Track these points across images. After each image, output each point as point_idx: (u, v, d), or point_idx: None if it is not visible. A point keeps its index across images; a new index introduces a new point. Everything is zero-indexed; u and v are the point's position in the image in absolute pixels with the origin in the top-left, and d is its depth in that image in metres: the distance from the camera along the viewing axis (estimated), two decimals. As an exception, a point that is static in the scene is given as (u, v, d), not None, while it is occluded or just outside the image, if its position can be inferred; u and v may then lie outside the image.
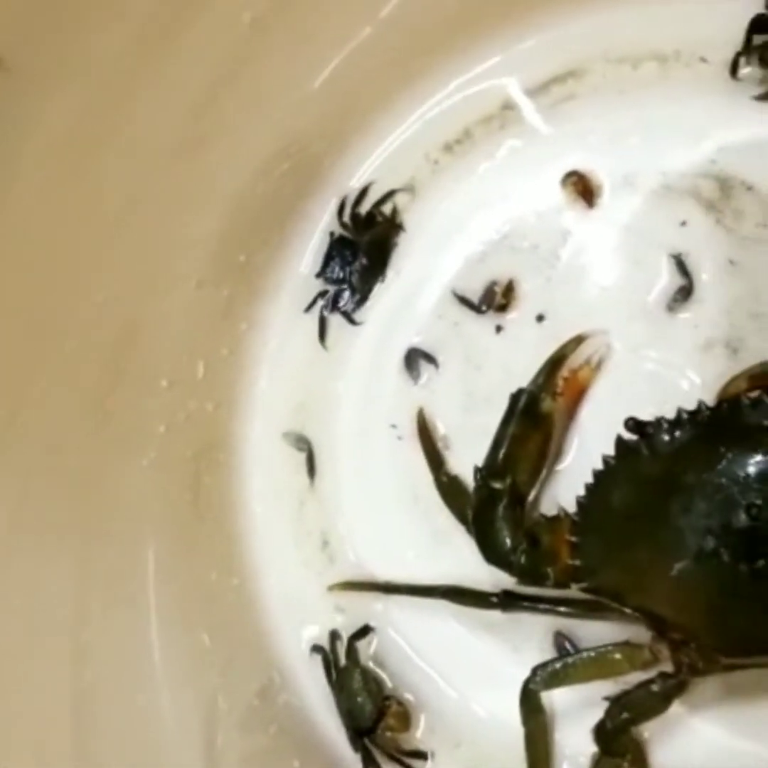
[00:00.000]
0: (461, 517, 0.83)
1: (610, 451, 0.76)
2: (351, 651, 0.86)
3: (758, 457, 0.70)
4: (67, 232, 0.83)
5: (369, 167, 0.96)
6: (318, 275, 0.95)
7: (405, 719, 0.83)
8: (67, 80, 0.80)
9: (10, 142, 0.77)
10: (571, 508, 0.78)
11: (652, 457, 0.74)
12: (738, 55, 0.87)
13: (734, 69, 0.87)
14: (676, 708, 0.76)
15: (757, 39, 0.86)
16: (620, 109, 0.90)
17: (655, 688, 0.75)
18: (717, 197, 0.86)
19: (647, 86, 0.90)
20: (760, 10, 0.86)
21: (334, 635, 0.88)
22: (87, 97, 0.82)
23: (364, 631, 0.87)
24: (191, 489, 0.92)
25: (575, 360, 0.85)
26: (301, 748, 0.85)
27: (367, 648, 0.87)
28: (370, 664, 0.86)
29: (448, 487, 0.86)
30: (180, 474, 0.91)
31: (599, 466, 0.76)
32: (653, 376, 0.85)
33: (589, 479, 0.77)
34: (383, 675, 0.86)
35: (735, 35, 0.87)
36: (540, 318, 0.88)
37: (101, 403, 0.86)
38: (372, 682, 0.84)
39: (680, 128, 0.88)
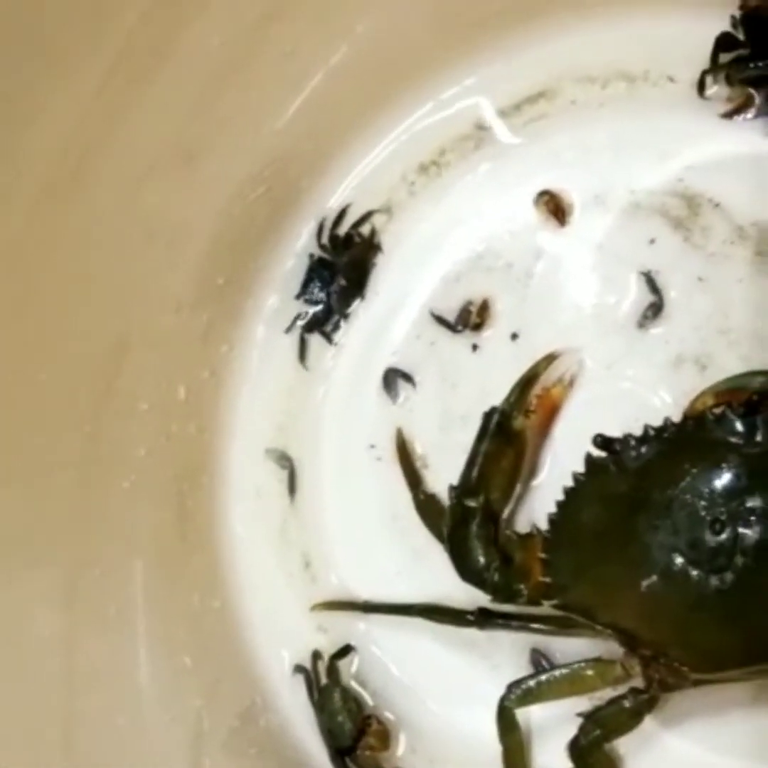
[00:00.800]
0: (438, 535, 0.84)
1: (582, 468, 0.77)
2: (332, 670, 0.87)
3: (722, 473, 0.71)
4: (50, 257, 0.84)
5: (346, 189, 0.98)
6: (298, 297, 0.97)
7: (385, 738, 0.84)
8: (47, 107, 0.81)
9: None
10: (545, 524, 0.79)
11: (619, 474, 0.75)
12: (704, 73, 0.88)
13: (701, 88, 0.88)
14: (649, 724, 0.77)
15: (724, 57, 0.87)
16: (590, 128, 0.91)
17: (626, 703, 0.76)
18: (685, 215, 0.87)
19: (616, 106, 0.91)
20: (726, 28, 0.87)
21: (315, 655, 0.89)
22: (70, 124, 0.83)
23: (346, 650, 0.88)
24: (174, 511, 0.93)
25: (548, 377, 0.86)
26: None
27: (348, 667, 0.88)
28: (352, 683, 0.87)
29: (426, 506, 0.86)
30: (162, 496, 0.92)
31: (571, 482, 0.77)
32: (625, 392, 0.85)
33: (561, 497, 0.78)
34: (364, 694, 0.87)
35: (702, 54, 0.88)
36: (514, 336, 0.89)
37: (83, 426, 0.87)
38: (352, 701, 0.85)
39: (649, 147, 0.89)
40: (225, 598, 0.92)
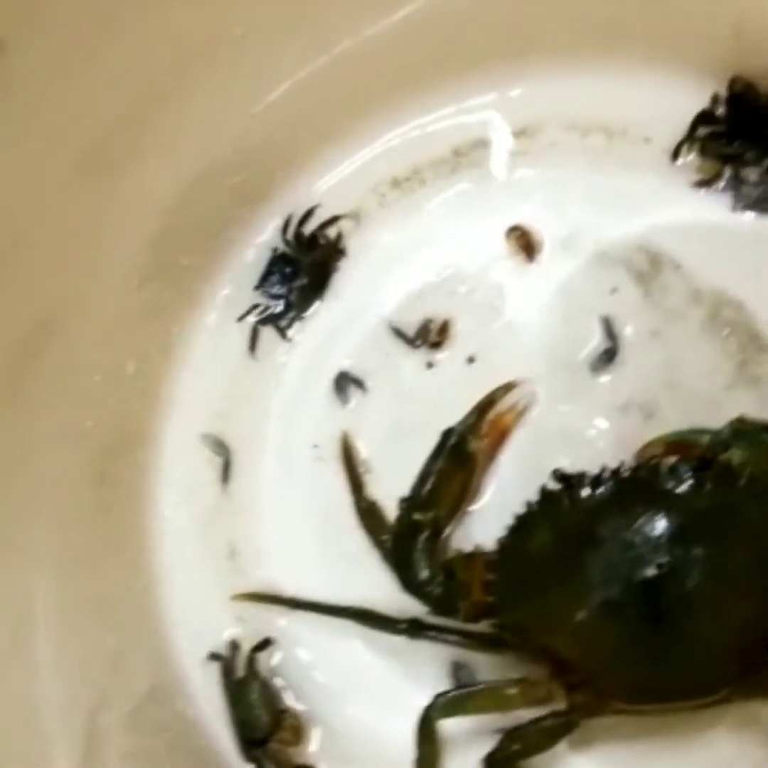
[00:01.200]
0: (377, 543, 0.86)
1: (525, 495, 0.80)
2: (251, 662, 0.87)
3: (670, 521, 0.75)
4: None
5: (318, 190, 0.98)
6: (256, 288, 0.97)
7: (299, 733, 0.85)
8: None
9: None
10: (484, 545, 0.82)
11: (572, 508, 0.78)
12: (681, 143, 0.93)
13: (675, 155, 0.93)
14: (563, 746, 0.81)
15: (701, 130, 0.93)
16: (568, 172, 0.95)
17: (546, 724, 0.79)
18: (647, 270, 0.92)
19: (594, 156, 0.95)
20: (706, 104, 0.93)
21: (234, 645, 0.89)
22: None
23: (266, 643, 0.88)
24: (102, 484, 0.91)
25: (503, 404, 0.89)
26: (194, 755, 0.86)
27: (267, 660, 0.88)
28: (269, 677, 0.88)
29: (367, 512, 0.88)
30: (93, 468, 0.91)
31: (516, 508, 0.80)
32: (571, 429, 0.89)
33: (503, 520, 0.80)
34: (281, 688, 0.88)
35: (680, 122, 0.93)
36: (470, 360, 0.92)
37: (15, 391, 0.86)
38: (269, 694, 0.86)
39: (620, 201, 0.93)
40: (148, 579, 0.91)
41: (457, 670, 0.86)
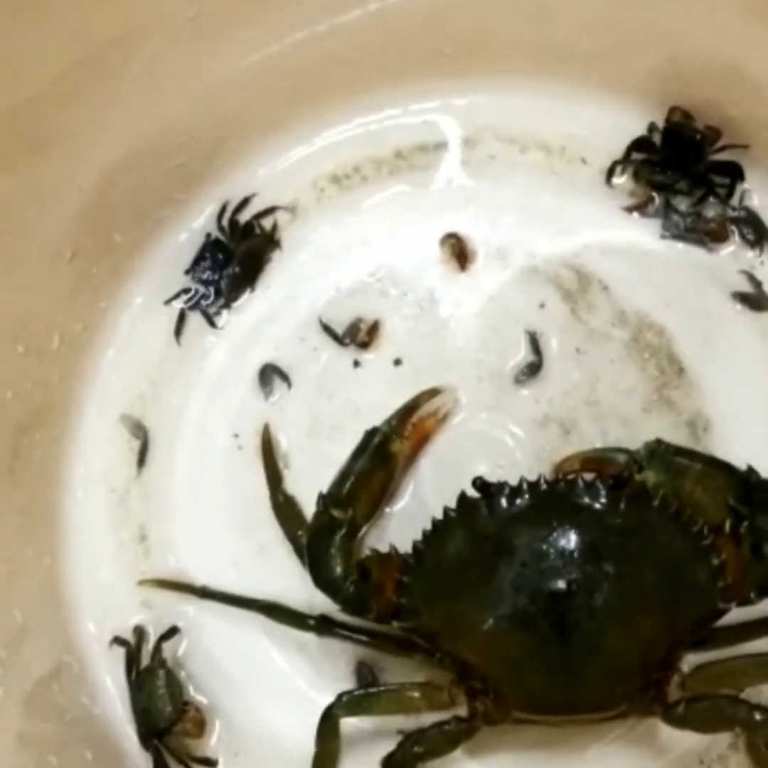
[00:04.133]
0: (291, 537, 0.86)
1: (442, 499, 0.81)
2: (157, 651, 0.86)
3: (583, 536, 0.77)
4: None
5: (256, 179, 0.98)
6: (187, 272, 0.96)
7: (201, 725, 0.84)
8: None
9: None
10: (399, 547, 0.82)
11: (490, 517, 0.79)
12: (615, 163, 0.95)
13: (610, 175, 0.96)
14: (460, 751, 0.82)
15: (636, 156, 0.95)
16: (506, 185, 0.96)
17: (447, 729, 0.80)
18: (575, 289, 0.94)
19: (532, 171, 0.97)
20: (644, 131, 0.95)
21: (139, 631, 0.88)
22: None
23: (172, 631, 0.87)
24: (16, 459, 0.89)
25: (425, 409, 0.90)
26: (95, 739, 0.85)
27: (173, 649, 0.88)
28: (174, 667, 0.87)
29: (284, 506, 0.88)
30: (7, 443, 0.88)
31: (433, 512, 0.81)
32: (490, 438, 0.91)
33: (419, 523, 0.81)
34: (185, 678, 0.87)
35: (617, 146, 0.96)
36: (397, 362, 0.93)
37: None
38: (174, 685, 0.85)
39: (554, 218, 0.95)
40: (55, 557, 0.90)
41: (363, 669, 0.87)
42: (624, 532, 0.78)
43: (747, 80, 0.89)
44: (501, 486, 0.80)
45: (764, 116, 0.90)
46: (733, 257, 0.94)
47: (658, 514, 0.79)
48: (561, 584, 0.76)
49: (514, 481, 0.80)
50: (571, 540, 0.77)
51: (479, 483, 0.80)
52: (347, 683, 0.86)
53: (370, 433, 0.86)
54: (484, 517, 0.80)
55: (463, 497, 0.81)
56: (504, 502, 0.79)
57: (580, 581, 0.76)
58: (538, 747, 0.84)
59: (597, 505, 0.79)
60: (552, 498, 0.80)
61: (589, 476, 0.81)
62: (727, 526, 0.80)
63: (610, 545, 0.77)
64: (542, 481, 0.80)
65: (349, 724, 0.83)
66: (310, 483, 0.86)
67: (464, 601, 0.78)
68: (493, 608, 0.77)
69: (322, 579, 0.82)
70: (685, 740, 0.83)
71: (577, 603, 0.76)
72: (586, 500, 0.79)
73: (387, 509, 0.89)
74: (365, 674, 0.87)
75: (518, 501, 0.79)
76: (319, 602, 0.83)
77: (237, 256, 0.96)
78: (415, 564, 0.80)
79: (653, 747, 0.84)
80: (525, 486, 0.80)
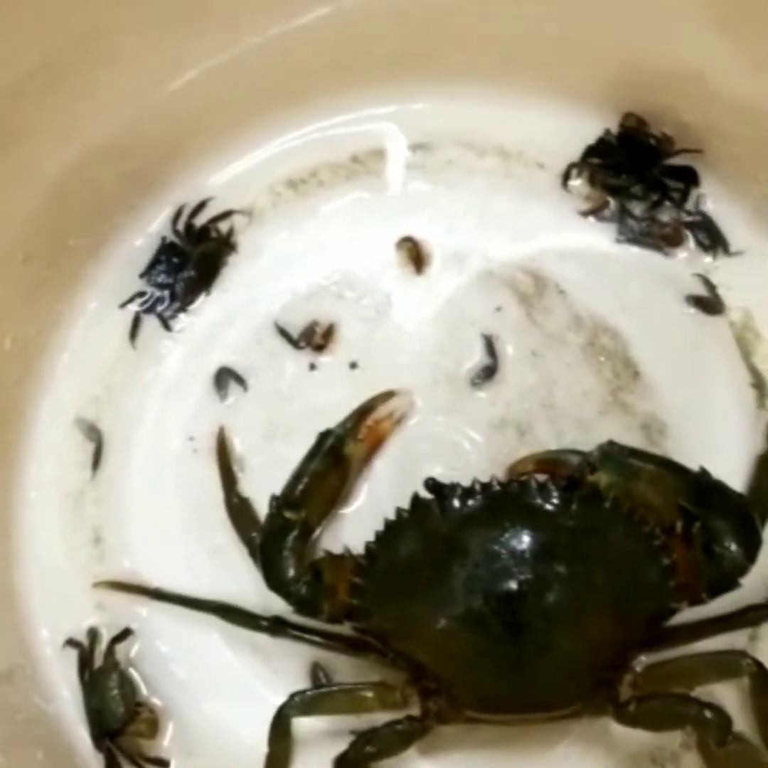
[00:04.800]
0: (246, 539, 0.86)
1: (397, 501, 0.81)
2: (110, 653, 0.86)
3: (535, 536, 0.77)
4: None
5: (213, 183, 0.99)
6: (142, 275, 0.96)
7: (154, 726, 0.84)
8: None
9: None
10: (353, 548, 0.82)
11: (442, 518, 0.79)
12: (570, 167, 0.96)
13: (566, 179, 0.96)
14: (413, 750, 0.82)
15: (592, 160, 0.96)
16: (463, 190, 0.97)
17: (400, 728, 0.80)
18: (531, 292, 0.94)
19: (489, 176, 0.98)
20: (601, 134, 0.96)
21: (93, 633, 0.88)
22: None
23: (125, 633, 0.87)
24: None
25: (380, 411, 0.90)
26: (47, 740, 0.84)
27: (126, 651, 0.87)
28: (127, 668, 0.86)
29: (238, 508, 0.88)
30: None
31: (388, 513, 0.81)
32: (445, 441, 0.91)
33: (374, 525, 0.81)
34: (138, 680, 0.87)
35: (574, 150, 0.97)
36: (353, 365, 0.93)
37: None
38: (127, 686, 0.84)
39: (511, 222, 0.96)
40: (9, 559, 0.90)
41: (317, 670, 0.87)
42: (575, 533, 0.78)
43: (702, 86, 0.90)
44: (453, 487, 0.80)
45: (718, 122, 0.91)
46: (688, 261, 0.94)
47: (609, 514, 0.79)
48: (513, 584, 0.76)
49: (467, 483, 0.80)
50: (523, 540, 0.78)
51: (431, 484, 0.81)
52: (301, 684, 0.86)
53: (324, 435, 0.86)
54: (436, 518, 0.80)
55: (416, 498, 0.81)
56: (456, 503, 0.80)
57: (532, 581, 0.76)
58: (492, 746, 0.84)
59: (549, 506, 0.79)
60: (504, 499, 0.80)
61: (541, 477, 0.81)
62: (679, 526, 0.81)
63: (561, 546, 0.77)
64: (495, 482, 0.81)
65: (302, 723, 0.83)
66: (264, 485, 0.86)
67: (416, 601, 0.78)
68: (446, 608, 0.77)
69: (274, 580, 0.82)
70: (637, 739, 0.83)
71: (528, 603, 0.76)
72: (539, 501, 0.79)
73: (342, 511, 0.89)
74: (319, 675, 0.87)
75: (470, 502, 0.80)
76: (274, 604, 0.83)
77: (193, 259, 0.96)
78: (367, 565, 0.80)
79: (606, 746, 0.84)
80: (478, 487, 0.80)
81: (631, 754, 0.84)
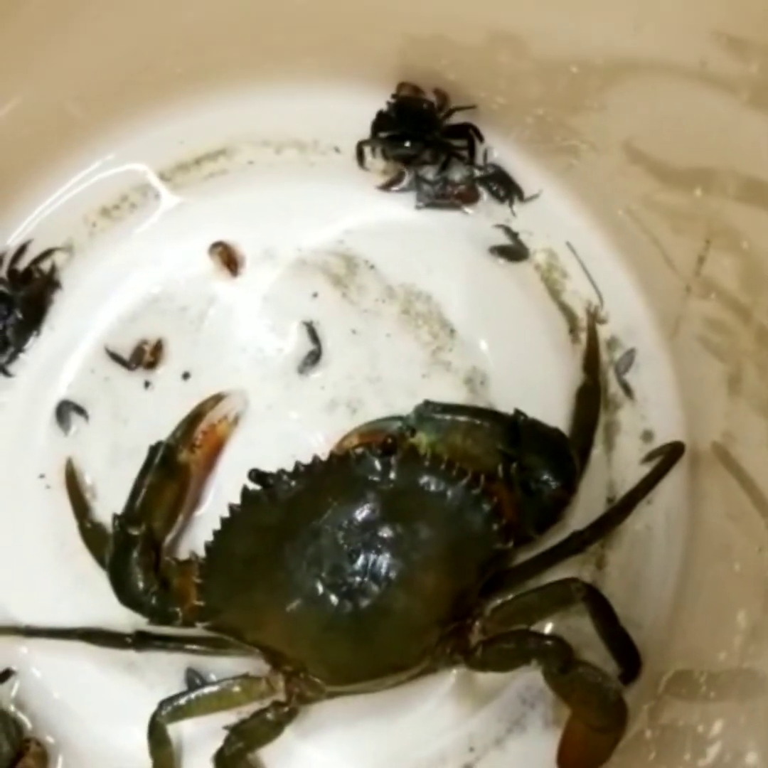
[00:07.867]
0: (101, 562, 0.88)
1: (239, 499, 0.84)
2: (-9, 695, 0.89)
3: (360, 506, 0.80)
4: None
5: (29, 225, 1.00)
6: (-29, 328, 0.98)
7: (44, 760, 0.86)
8: None
9: None
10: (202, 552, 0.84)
11: (272, 506, 0.82)
12: (361, 144, 0.98)
13: (360, 158, 0.99)
14: (291, 736, 0.85)
15: (381, 134, 0.98)
16: (265, 187, 0.99)
17: (269, 716, 0.83)
18: (344, 273, 0.96)
19: (289, 169, 1.00)
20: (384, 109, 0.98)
21: (-26, 678, 0.90)
22: None
23: (5, 675, 0.89)
24: None
25: (215, 415, 0.92)
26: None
27: (8, 691, 0.89)
28: (11, 707, 0.89)
29: (92, 534, 0.90)
30: None
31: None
32: (284, 431, 0.93)
33: (222, 525, 0.84)
34: (24, 717, 0.89)
35: (366, 130, 0.98)
36: (186, 375, 0.95)
37: None
38: (11, 725, 0.86)
39: (315, 209, 0.98)
40: None
41: (191, 675, 0.89)
42: (397, 496, 0.80)
43: (453, 45, 0.92)
44: (278, 473, 0.82)
45: (477, 75, 0.93)
46: (487, 214, 0.97)
47: (429, 472, 0.81)
48: (345, 558, 0.79)
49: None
50: (347, 513, 0.80)
51: (254, 474, 0.83)
52: (179, 690, 0.87)
53: (154, 449, 0.88)
54: (266, 507, 0.82)
55: (244, 491, 0.83)
56: (284, 488, 0.82)
57: (360, 550, 0.79)
58: (366, 717, 0.87)
59: (370, 475, 0.81)
60: (328, 476, 0.82)
61: (359, 449, 0.83)
62: (500, 470, 0.83)
63: (385, 510, 0.80)
64: (317, 461, 0.83)
65: (185, 726, 0.85)
66: (118, 507, 0.88)
67: (258, 591, 0.80)
68: (287, 593, 0.79)
69: (125, 596, 0.84)
70: (504, 683, 0.86)
71: (359, 572, 0.78)
72: (359, 471, 0.81)
73: (194, 515, 0.91)
74: (195, 679, 0.89)
75: (295, 484, 0.82)
76: (142, 619, 0.85)
77: (18, 303, 0.98)
78: (208, 564, 0.83)
79: (476, 695, 0.86)
80: (301, 469, 0.82)
81: (501, 700, 0.86)
